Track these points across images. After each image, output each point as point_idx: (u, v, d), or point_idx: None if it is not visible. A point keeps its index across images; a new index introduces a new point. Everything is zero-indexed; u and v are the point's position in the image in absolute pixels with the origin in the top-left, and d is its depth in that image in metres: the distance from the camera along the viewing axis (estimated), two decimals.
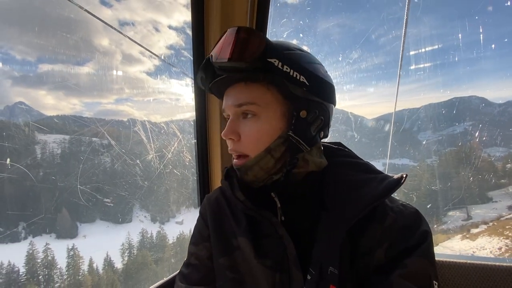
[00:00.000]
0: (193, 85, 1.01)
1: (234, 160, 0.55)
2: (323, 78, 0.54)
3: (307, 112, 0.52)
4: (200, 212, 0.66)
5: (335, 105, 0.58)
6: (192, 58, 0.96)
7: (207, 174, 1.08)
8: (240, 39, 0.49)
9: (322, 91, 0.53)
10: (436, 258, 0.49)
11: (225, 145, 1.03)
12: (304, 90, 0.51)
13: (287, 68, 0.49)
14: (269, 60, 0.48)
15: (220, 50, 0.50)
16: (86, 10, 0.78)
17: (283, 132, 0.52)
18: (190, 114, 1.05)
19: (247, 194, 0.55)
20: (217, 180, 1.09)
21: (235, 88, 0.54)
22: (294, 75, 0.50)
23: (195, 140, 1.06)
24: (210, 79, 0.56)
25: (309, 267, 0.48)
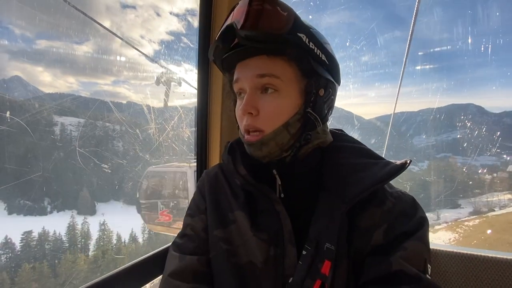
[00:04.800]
0: (196, 69, 0.97)
1: (247, 136, 0.53)
2: (336, 59, 0.55)
3: (324, 91, 0.52)
4: (198, 186, 0.67)
5: (339, 85, 0.60)
6: (197, 41, 0.91)
7: (205, 154, 1.08)
8: (272, 7, 0.47)
9: (336, 72, 0.55)
10: None
11: (224, 128, 1.02)
12: (323, 69, 0.52)
13: (312, 45, 0.49)
14: (298, 34, 0.47)
15: (247, 17, 0.46)
16: (69, 3, 0.74)
17: (300, 108, 0.51)
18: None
19: (248, 169, 0.56)
20: (214, 160, 1.09)
21: (256, 59, 0.51)
22: (318, 53, 0.50)
23: (195, 128, 1.04)
24: (226, 49, 0.53)
25: (305, 243, 0.49)
